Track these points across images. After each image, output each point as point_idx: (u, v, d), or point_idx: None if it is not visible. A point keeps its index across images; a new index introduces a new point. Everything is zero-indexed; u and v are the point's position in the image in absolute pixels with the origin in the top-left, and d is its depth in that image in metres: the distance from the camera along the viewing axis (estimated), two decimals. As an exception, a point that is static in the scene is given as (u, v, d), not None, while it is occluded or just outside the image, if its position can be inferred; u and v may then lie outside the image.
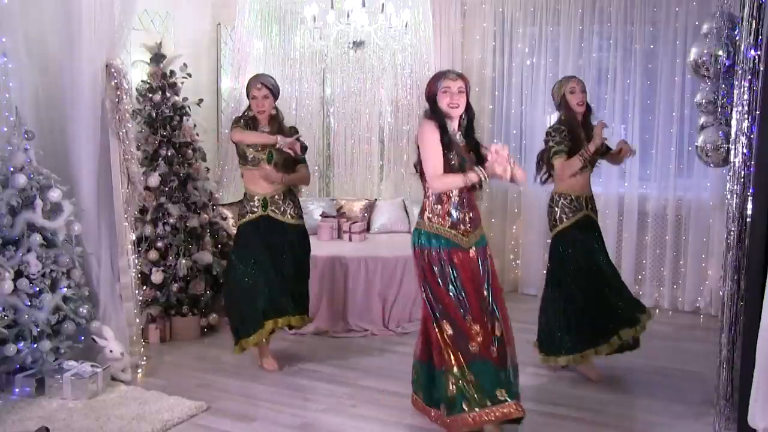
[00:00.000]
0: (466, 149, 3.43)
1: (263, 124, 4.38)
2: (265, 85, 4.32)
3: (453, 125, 3.42)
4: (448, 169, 3.33)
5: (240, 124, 4.35)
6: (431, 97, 3.43)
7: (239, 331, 4.33)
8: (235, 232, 4.63)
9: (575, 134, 4.17)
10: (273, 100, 4.37)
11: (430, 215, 3.41)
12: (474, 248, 3.42)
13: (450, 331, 3.33)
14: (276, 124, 4.39)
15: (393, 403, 3.88)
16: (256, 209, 4.39)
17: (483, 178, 3.28)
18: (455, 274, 3.36)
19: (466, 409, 3.24)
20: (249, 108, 4.41)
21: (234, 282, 4.39)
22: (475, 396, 3.24)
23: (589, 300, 4.15)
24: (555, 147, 4.14)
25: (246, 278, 4.32)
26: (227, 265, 4.64)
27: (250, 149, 4.32)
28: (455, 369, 3.29)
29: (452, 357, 3.30)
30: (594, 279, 4.19)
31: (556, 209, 4.25)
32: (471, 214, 3.44)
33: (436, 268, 3.37)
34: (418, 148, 3.44)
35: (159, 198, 4.97)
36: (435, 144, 3.32)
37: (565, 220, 4.22)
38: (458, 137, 3.43)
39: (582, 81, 4.31)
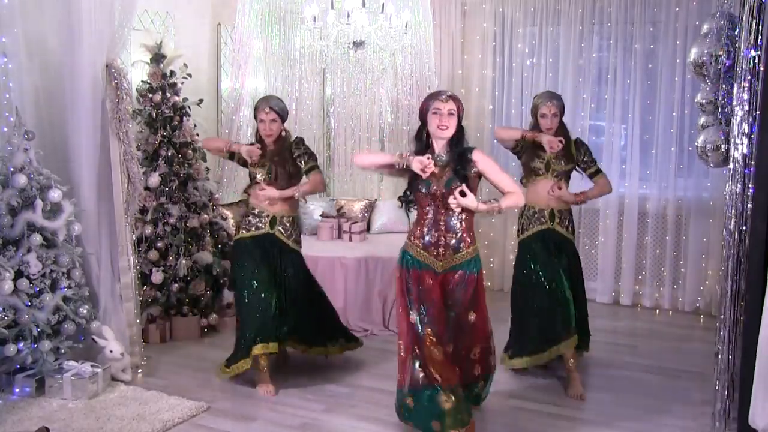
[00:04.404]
0: (450, 169, 3.38)
1: (269, 145, 4.30)
2: (273, 109, 4.22)
3: (439, 145, 3.41)
4: (420, 195, 3.38)
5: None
6: (423, 116, 3.46)
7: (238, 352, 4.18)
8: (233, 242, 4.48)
9: (535, 146, 4.28)
10: (281, 123, 4.27)
11: (410, 235, 3.46)
12: (452, 272, 3.40)
13: (402, 354, 3.40)
14: (281, 144, 4.28)
15: (393, 403, 3.87)
16: (262, 225, 4.25)
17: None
18: (421, 296, 3.36)
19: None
20: (257, 131, 4.32)
21: (241, 298, 4.21)
22: (416, 422, 3.35)
23: (530, 311, 4.22)
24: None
25: (247, 298, 4.16)
26: (234, 281, 4.37)
27: (252, 168, 4.27)
28: (405, 388, 3.37)
29: (402, 377, 3.40)
30: (538, 294, 4.19)
31: (522, 218, 4.40)
32: (446, 239, 3.36)
33: (405, 287, 3.41)
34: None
35: (159, 198, 4.97)
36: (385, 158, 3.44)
37: (524, 231, 4.35)
38: (444, 157, 3.39)
39: (559, 103, 4.28)
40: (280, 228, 4.26)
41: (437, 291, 3.38)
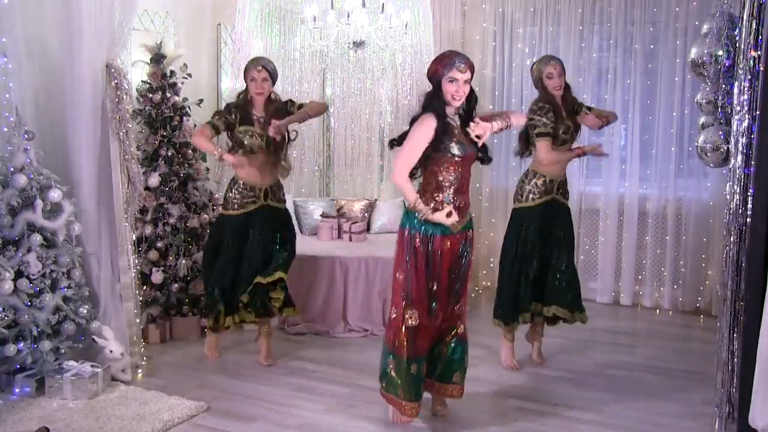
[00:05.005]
0: (461, 131, 3.46)
1: (258, 107, 4.34)
2: (265, 68, 4.31)
3: (451, 110, 3.45)
4: (448, 159, 3.38)
5: (214, 120, 4.32)
6: (435, 79, 3.42)
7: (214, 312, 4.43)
8: (220, 216, 4.55)
9: (557, 113, 4.23)
10: (271, 84, 4.36)
11: (427, 201, 3.43)
12: (461, 232, 3.50)
13: (411, 323, 3.44)
14: (272, 108, 4.34)
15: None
16: (257, 199, 4.37)
17: (425, 214, 3.39)
18: (439, 261, 3.43)
19: (400, 395, 3.54)
20: (245, 91, 4.38)
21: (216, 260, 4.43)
22: (409, 389, 3.52)
23: (526, 278, 4.32)
24: (540, 128, 4.19)
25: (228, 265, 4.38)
26: (212, 241, 4.55)
27: (246, 136, 4.29)
28: (404, 359, 3.48)
29: (404, 347, 3.47)
30: (538, 261, 4.32)
31: (527, 186, 4.33)
32: (464, 201, 3.49)
33: (421, 253, 3.42)
34: (409, 128, 3.47)
35: (159, 198, 4.97)
36: (422, 144, 3.36)
37: (531, 199, 4.30)
38: (455, 121, 3.47)
39: (560, 62, 4.32)
40: (271, 197, 4.43)
41: (455, 251, 3.47)
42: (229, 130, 4.35)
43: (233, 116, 4.31)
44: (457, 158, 3.38)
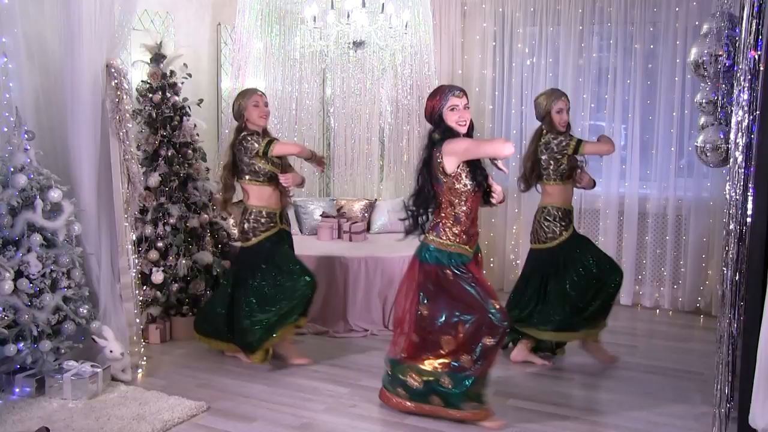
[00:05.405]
0: None
1: (261, 133, 4.46)
2: (264, 93, 4.44)
3: None
4: (466, 192, 3.47)
5: (258, 137, 4.36)
6: (436, 114, 3.47)
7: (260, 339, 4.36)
8: (244, 248, 4.52)
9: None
10: None
11: (447, 234, 3.52)
12: (475, 254, 3.67)
13: (468, 330, 3.50)
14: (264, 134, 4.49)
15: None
16: (273, 224, 4.47)
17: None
18: (471, 277, 3.54)
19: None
20: (245, 125, 4.40)
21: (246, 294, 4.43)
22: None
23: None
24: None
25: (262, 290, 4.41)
26: (233, 281, 4.56)
27: (263, 163, 4.34)
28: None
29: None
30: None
31: (548, 223, 4.46)
32: (476, 230, 3.64)
33: (449, 282, 3.51)
34: (425, 171, 3.52)
35: (159, 198, 4.97)
36: (470, 141, 3.49)
37: (552, 238, 4.46)
38: None
39: (568, 97, 4.46)
40: (284, 220, 4.60)
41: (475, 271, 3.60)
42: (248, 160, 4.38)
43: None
44: (474, 191, 3.49)
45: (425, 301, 3.58)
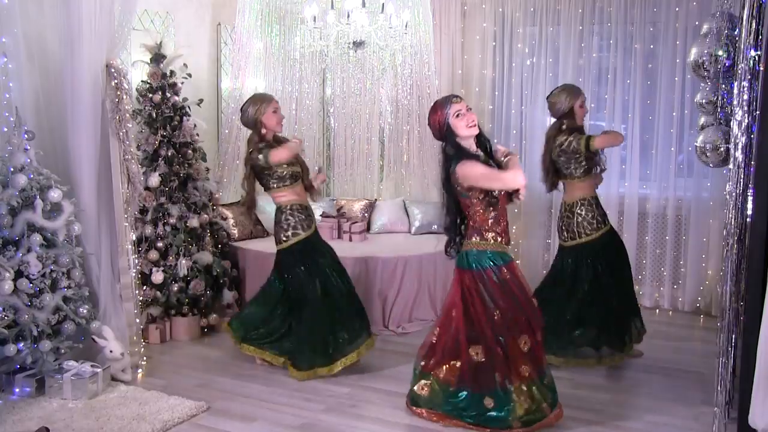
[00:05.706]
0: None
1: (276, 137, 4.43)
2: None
3: (472, 145, 3.50)
4: (492, 201, 3.44)
5: (264, 147, 4.26)
6: (443, 126, 3.44)
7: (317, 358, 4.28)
8: (291, 247, 4.34)
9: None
10: None
11: (491, 234, 3.47)
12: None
13: (530, 345, 3.53)
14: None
15: (393, 403, 3.88)
16: (312, 219, 4.44)
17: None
18: (520, 283, 3.54)
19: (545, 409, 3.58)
20: (259, 131, 4.30)
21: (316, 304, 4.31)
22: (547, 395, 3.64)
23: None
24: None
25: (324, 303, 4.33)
26: (301, 287, 4.34)
27: (283, 167, 4.28)
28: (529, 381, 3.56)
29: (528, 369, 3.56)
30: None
31: (576, 218, 4.44)
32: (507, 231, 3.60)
33: (499, 285, 3.46)
34: (447, 188, 3.51)
35: (159, 198, 4.97)
36: (484, 169, 3.41)
37: (581, 234, 4.44)
38: (481, 155, 3.53)
39: None
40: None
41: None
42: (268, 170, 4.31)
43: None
44: (500, 193, 3.45)
45: (491, 305, 3.47)
